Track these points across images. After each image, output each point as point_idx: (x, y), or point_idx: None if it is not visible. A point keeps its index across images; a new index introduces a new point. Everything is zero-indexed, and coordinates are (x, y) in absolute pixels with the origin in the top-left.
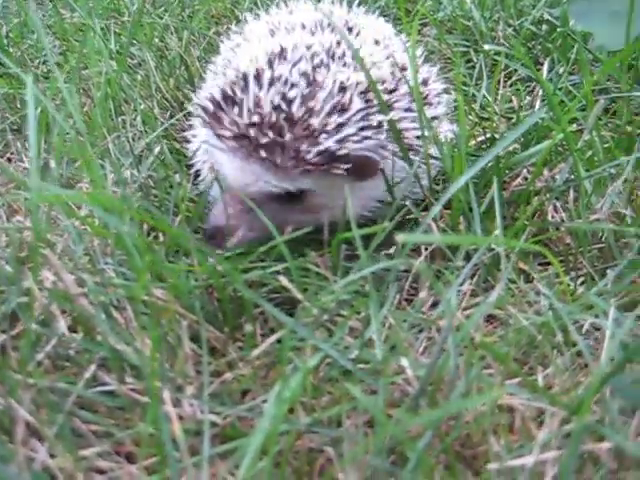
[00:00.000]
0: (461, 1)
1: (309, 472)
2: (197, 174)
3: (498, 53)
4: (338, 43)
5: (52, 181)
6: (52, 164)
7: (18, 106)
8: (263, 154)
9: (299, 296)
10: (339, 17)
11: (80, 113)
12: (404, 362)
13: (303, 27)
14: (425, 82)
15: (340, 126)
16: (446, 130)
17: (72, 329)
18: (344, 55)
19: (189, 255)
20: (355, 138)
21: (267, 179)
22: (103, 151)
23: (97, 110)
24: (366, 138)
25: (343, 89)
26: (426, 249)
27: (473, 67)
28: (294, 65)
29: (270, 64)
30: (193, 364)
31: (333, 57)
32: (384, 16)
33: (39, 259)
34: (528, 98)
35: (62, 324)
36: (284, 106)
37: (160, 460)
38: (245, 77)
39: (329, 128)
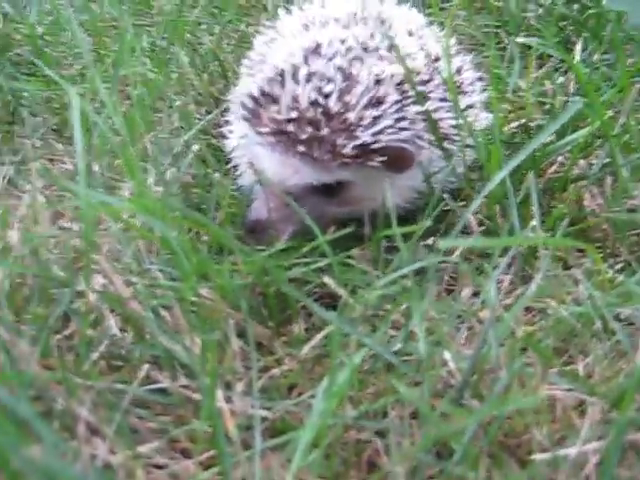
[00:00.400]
0: None
1: (357, 463)
2: (235, 168)
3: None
4: (372, 36)
5: (96, 185)
6: (95, 167)
7: (56, 106)
8: (301, 149)
9: (342, 292)
10: (371, 9)
11: (119, 113)
12: (447, 355)
13: (336, 21)
14: (459, 71)
15: (376, 119)
16: (483, 118)
17: (122, 328)
18: (378, 48)
19: (232, 252)
20: (391, 130)
21: (306, 172)
22: (142, 150)
23: (136, 109)
24: (402, 129)
25: (378, 82)
26: None
27: (504, 48)
28: (329, 60)
29: (306, 60)
30: (241, 361)
31: (367, 50)
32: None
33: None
34: (561, 79)
35: (112, 324)
36: (321, 101)
37: (215, 455)
38: (282, 74)
39: (365, 122)
